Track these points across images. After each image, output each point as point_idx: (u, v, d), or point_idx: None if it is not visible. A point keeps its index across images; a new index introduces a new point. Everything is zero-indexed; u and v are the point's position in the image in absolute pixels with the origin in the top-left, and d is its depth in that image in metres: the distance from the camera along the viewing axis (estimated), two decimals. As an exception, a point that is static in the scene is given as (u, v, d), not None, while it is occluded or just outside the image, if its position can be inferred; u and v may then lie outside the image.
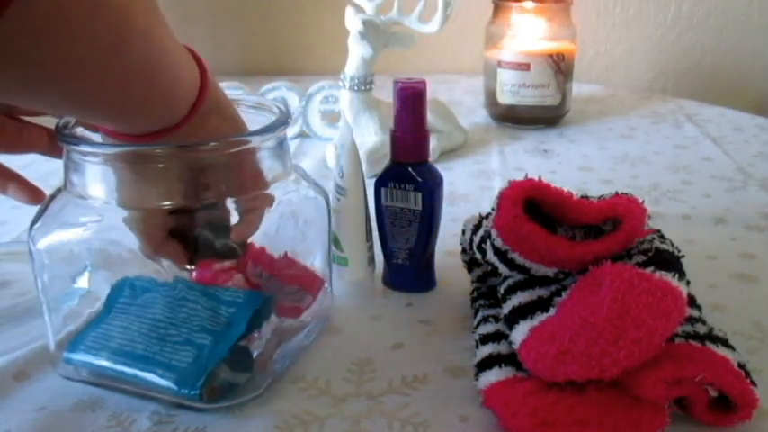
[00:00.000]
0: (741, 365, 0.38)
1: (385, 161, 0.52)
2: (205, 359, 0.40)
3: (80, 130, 0.41)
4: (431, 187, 0.50)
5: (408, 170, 0.50)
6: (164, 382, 0.40)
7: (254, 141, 0.40)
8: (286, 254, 0.45)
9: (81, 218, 0.40)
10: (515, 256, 0.42)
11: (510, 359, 0.41)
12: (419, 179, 0.50)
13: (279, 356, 0.44)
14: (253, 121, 0.42)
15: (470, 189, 0.74)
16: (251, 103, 0.45)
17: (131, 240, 0.41)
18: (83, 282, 0.44)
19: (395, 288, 0.54)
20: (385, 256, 0.54)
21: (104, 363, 0.42)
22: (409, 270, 0.53)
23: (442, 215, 0.52)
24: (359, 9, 0.77)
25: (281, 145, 0.43)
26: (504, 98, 0.93)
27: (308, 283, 0.47)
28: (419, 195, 0.50)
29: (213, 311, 0.41)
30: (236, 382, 0.41)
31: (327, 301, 0.49)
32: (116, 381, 0.42)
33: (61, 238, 0.41)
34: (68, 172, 0.40)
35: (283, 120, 0.42)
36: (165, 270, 0.43)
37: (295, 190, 0.44)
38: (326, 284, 0.49)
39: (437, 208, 0.51)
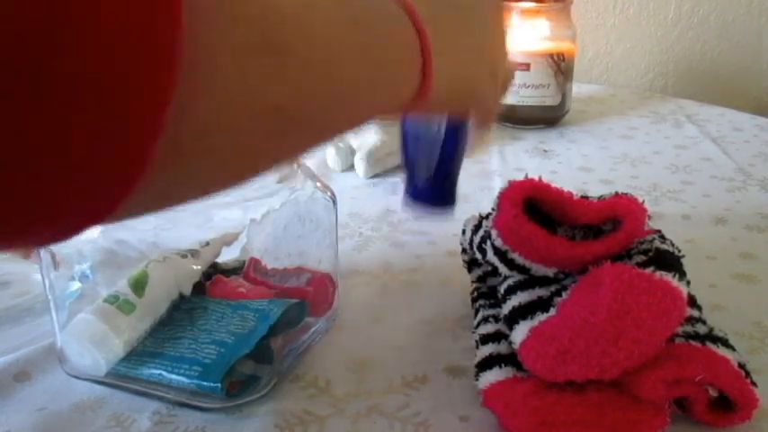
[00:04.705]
0: (741, 365, 0.38)
1: (385, 161, 0.51)
2: (228, 355, 0.40)
3: None
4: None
5: None
6: (185, 378, 0.40)
7: None
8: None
9: None
10: (515, 256, 0.42)
11: (510, 359, 0.41)
12: None
13: (285, 357, 0.44)
14: None
15: (470, 189, 0.74)
16: None
17: (138, 239, 0.41)
18: (87, 279, 0.45)
19: (416, 202, 0.47)
20: (408, 179, 0.48)
21: (123, 365, 0.42)
22: (429, 191, 0.47)
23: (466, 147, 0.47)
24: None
25: None
26: (504, 98, 0.93)
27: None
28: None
29: (241, 317, 0.42)
30: (256, 375, 0.41)
31: (335, 301, 0.49)
32: (124, 379, 0.42)
33: None
34: None
35: None
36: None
37: (302, 189, 0.44)
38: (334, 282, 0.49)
39: (463, 131, 0.46)
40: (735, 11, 1.19)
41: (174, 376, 0.40)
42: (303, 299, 0.45)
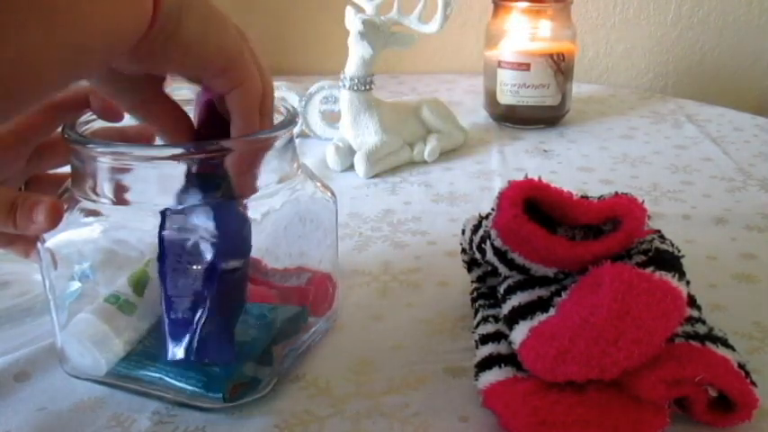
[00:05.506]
0: (741, 365, 0.38)
1: (385, 161, 0.51)
2: (232, 367, 0.40)
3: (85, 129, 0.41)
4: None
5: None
6: (188, 386, 0.40)
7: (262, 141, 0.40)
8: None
9: (88, 217, 0.41)
10: (515, 256, 0.42)
11: (510, 359, 0.41)
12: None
13: (285, 357, 0.44)
14: None
15: (470, 189, 0.74)
16: None
17: (138, 239, 0.41)
18: (87, 278, 0.45)
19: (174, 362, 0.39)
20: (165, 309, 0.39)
21: (123, 365, 0.42)
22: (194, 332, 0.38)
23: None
24: (359, 9, 0.77)
25: (289, 145, 0.43)
26: (504, 98, 0.93)
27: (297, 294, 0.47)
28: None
29: (242, 323, 0.42)
30: (257, 377, 0.42)
31: (335, 301, 0.49)
32: (124, 379, 0.42)
33: (69, 237, 0.41)
34: (75, 171, 0.40)
35: (291, 120, 0.42)
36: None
37: (302, 189, 0.44)
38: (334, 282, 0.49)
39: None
40: (735, 11, 1.19)
41: (176, 383, 0.40)
42: (303, 299, 0.45)
